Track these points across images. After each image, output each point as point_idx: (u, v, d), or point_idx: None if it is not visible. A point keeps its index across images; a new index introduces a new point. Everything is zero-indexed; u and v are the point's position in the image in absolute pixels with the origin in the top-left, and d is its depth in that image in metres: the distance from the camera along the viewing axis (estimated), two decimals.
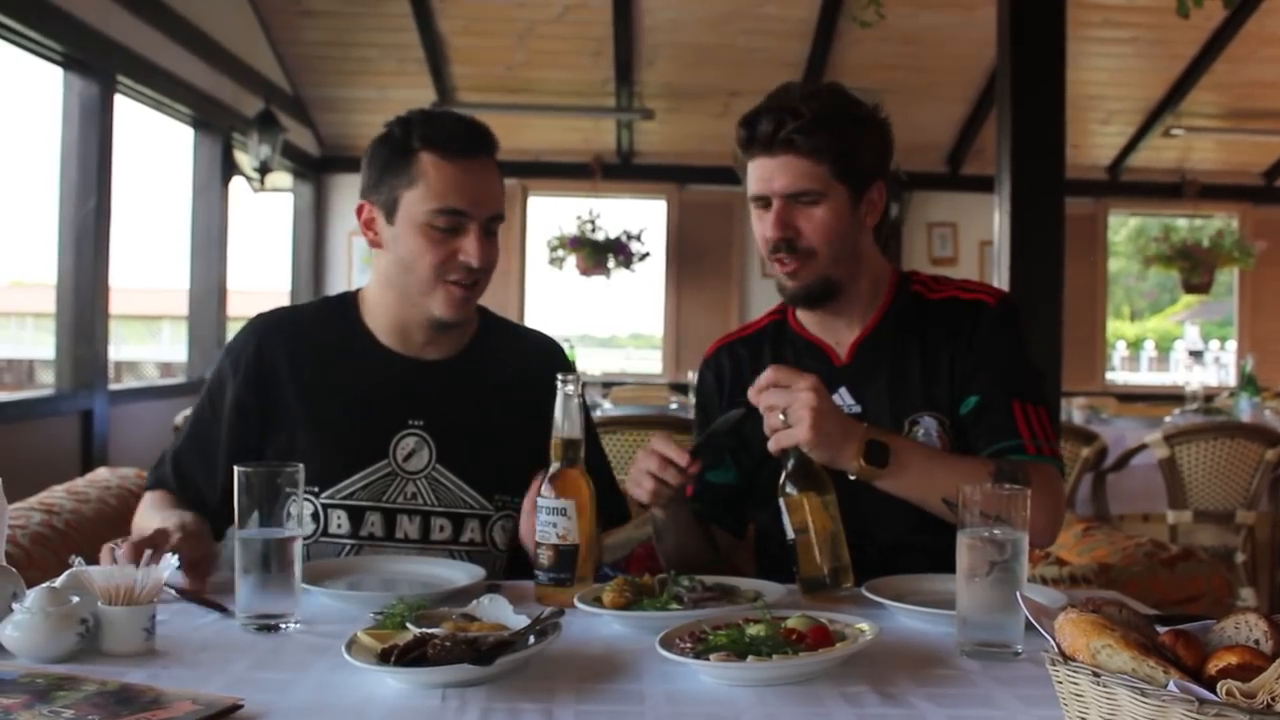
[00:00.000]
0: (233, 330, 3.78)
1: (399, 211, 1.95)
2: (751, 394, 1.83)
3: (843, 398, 2.02)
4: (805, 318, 2.14)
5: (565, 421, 1.78)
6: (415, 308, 2.01)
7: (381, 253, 2.02)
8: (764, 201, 1.99)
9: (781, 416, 1.78)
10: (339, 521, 1.98)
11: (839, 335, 2.10)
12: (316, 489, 1.97)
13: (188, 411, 5.22)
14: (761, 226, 2.01)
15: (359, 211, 2.03)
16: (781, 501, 1.81)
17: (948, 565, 1.57)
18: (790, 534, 1.80)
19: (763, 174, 1.98)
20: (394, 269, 2.00)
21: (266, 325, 2.09)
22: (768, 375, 1.81)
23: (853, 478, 1.83)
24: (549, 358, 2.18)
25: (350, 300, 2.12)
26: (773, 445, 1.80)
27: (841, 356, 2.09)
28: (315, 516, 1.98)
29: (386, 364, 2.05)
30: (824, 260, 1.99)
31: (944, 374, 2.02)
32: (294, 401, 2.01)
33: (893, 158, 2.08)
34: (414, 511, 2.00)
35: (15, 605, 1.43)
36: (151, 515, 1.97)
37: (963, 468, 1.85)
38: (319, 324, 2.11)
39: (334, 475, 1.99)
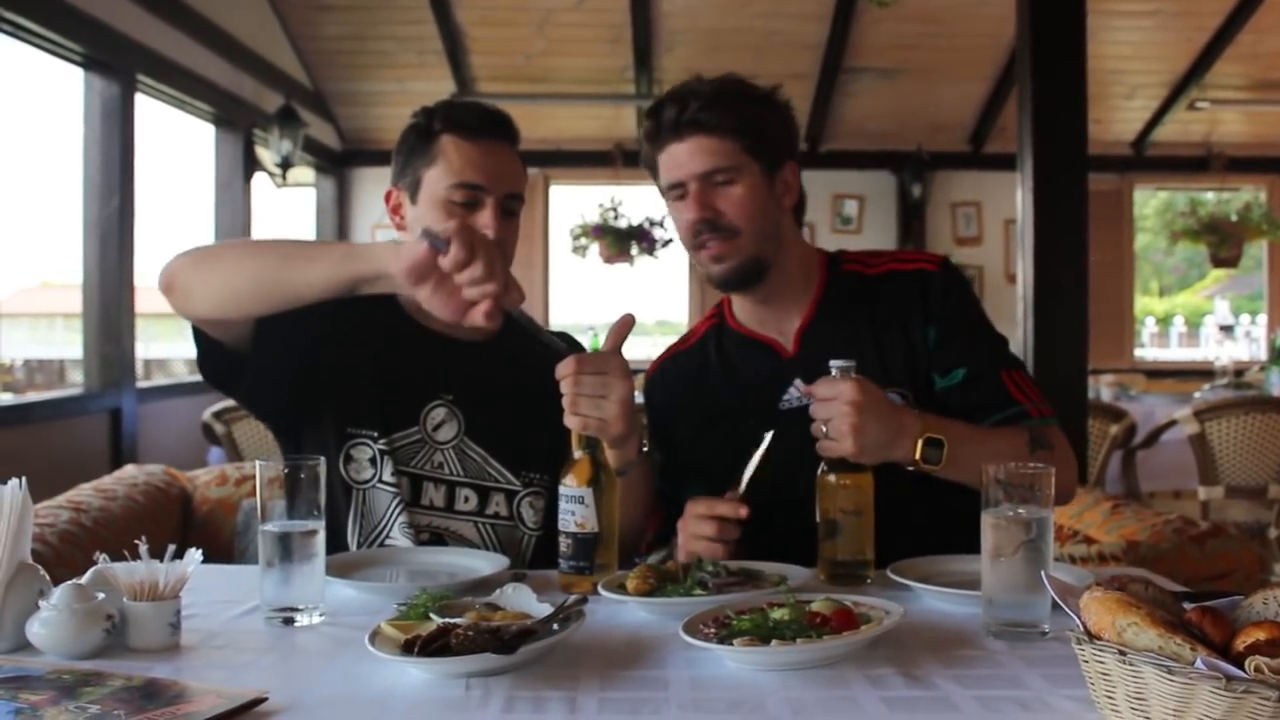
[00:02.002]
0: None
1: (421, 190, 2.02)
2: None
3: (798, 389, 1.99)
4: (744, 314, 2.12)
5: None
6: None
7: (405, 236, 2.06)
8: (679, 189, 1.98)
9: (824, 429, 1.78)
10: (392, 472, 2.01)
11: (781, 326, 2.08)
12: (375, 433, 2.01)
13: (217, 408, 5.27)
14: (680, 213, 1.99)
15: (387, 198, 2.11)
16: (817, 484, 1.82)
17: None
18: (818, 516, 1.82)
19: (675, 160, 1.97)
20: None
21: None
22: (811, 389, 1.81)
23: (910, 469, 1.82)
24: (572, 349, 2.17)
25: None
26: (820, 451, 1.81)
27: (789, 348, 2.06)
28: (373, 461, 2.02)
29: (419, 338, 2.09)
30: (748, 238, 1.97)
31: (899, 347, 2.00)
32: (350, 351, 2.05)
33: (799, 142, 2.07)
34: (439, 480, 2.04)
35: (42, 603, 1.44)
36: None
37: (1003, 443, 1.87)
38: (359, 299, 2.06)
39: (385, 426, 2.02)
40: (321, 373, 2.03)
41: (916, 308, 2.01)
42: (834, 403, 1.76)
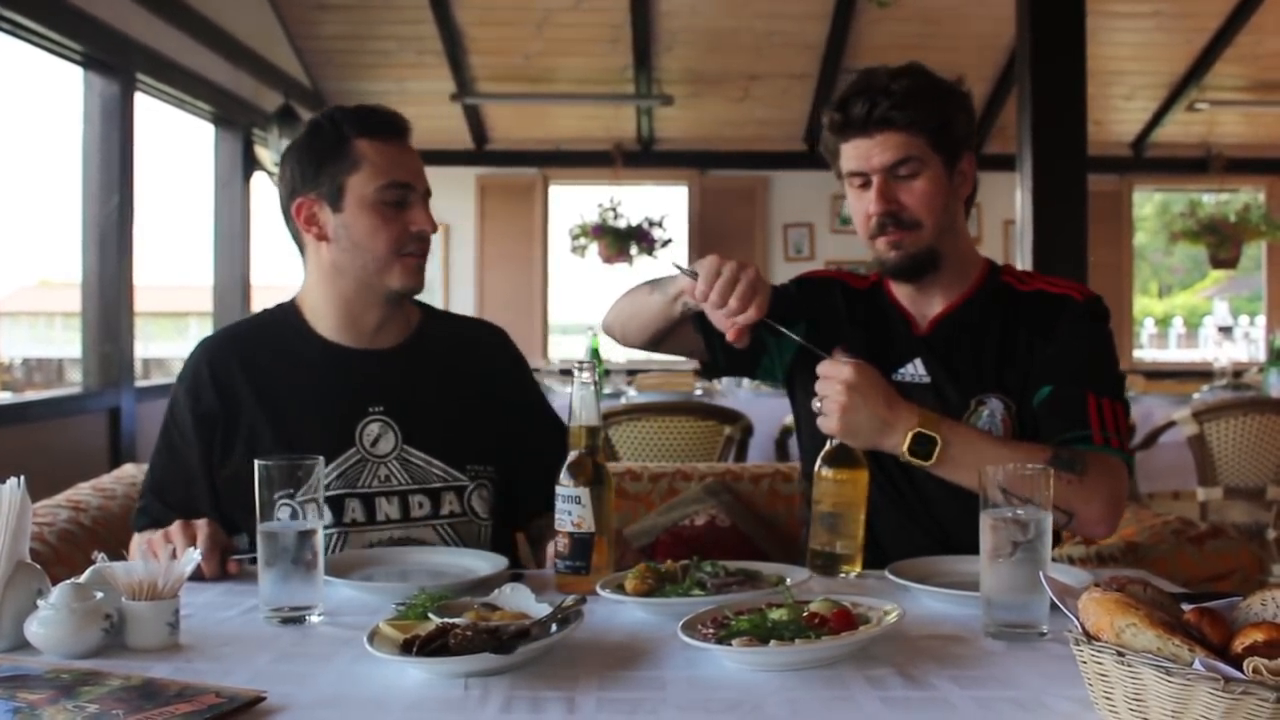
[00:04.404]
0: None
1: (346, 196, 2.02)
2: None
3: (916, 367, 2.08)
4: (897, 287, 2.17)
5: (582, 409, 1.78)
6: (369, 289, 2.05)
7: (324, 247, 2.06)
8: (863, 179, 2.03)
9: (819, 405, 1.86)
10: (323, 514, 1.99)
11: (924, 307, 2.14)
12: (292, 490, 1.92)
13: None
14: (861, 204, 2.04)
15: (297, 211, 2.06)
16: (814, 475, 1.89)
17: None
18: (810, 503, 1.90)
19: (860, 152, 2.01)
20: (345, 255, 2.04)
21: (213, 345, 2.15)
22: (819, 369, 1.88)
23: (904, 461, 1.87)
24: (495, 340, 2.28)
25: (289, 307, 2.16)
26: (819, 427, 1.88)
27: (923, 327, 2.13)
28: (294, 515, 1.97)
29: (338, 358, 2.09)
30: (929, 231, 2.03)
31: (1020, 361, 2.05)
32: (254, 408, 2.05)
33: (976, 133, 2.11)
34: (390, 493, 2.03)
35: (40, 602, 1.44)
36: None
37: (1019, 455, 1.85)
38: (265, 334, 2.15)
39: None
40: (234, 458, 2.04)
41: (1045, 328, 2.05)
42: (831, 381, 1.84)
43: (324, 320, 2.10)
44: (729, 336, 1.90)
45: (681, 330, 2.18)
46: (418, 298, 2.17)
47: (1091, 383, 1.99)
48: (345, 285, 2.07)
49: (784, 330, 1.95)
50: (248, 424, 2.04)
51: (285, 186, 2.08)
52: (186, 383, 2.10)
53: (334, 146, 2.02)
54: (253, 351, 2.11)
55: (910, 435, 1.83)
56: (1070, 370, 2.00)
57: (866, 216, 2.03)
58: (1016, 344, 2.06)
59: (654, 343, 2.23)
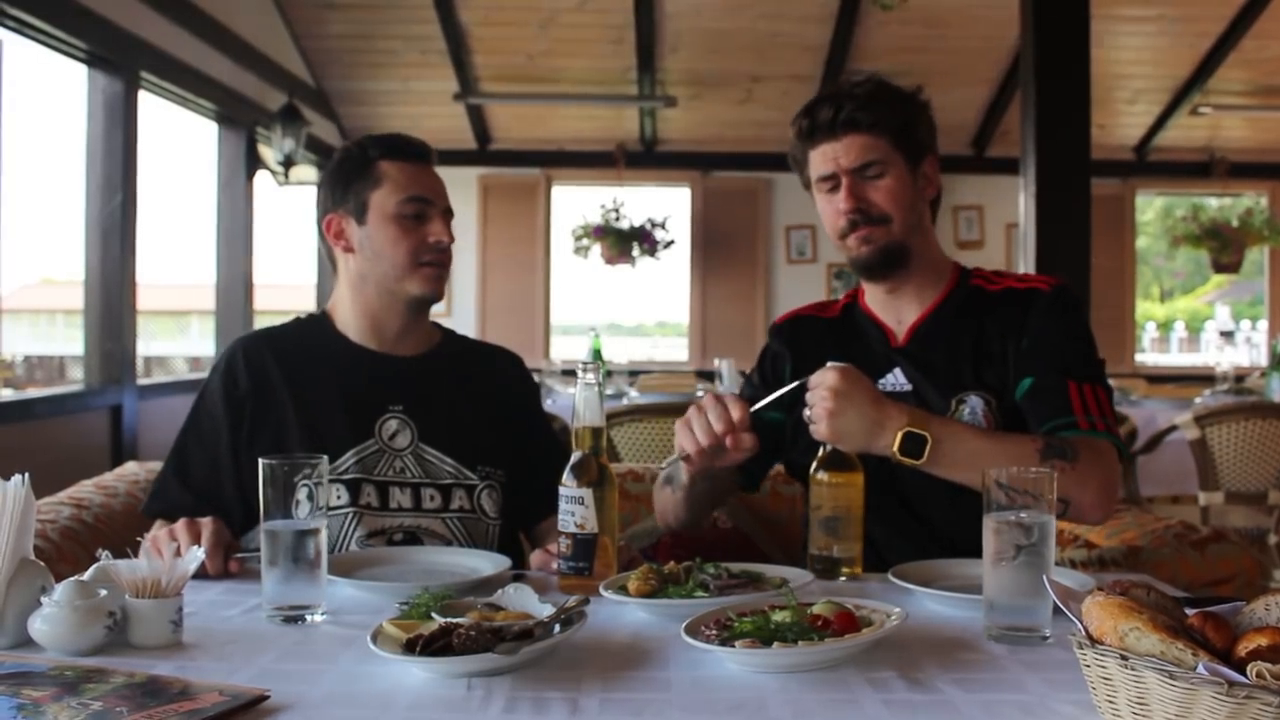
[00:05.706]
0: (259, 324, 3.81)
1: (370, 211, 2.18)
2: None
3: (896, 377, 2.12)
4: (872, 299, 2.23)
5: (586, 410, 1.79)
6: (391, 295, 2.20)
7: (350, 259, 2.22)
8: (832, 181, 2.09)
9: (808, 413, 1.87)
10: (338, 494, 2.08)
11: (900, 316, 2.19)
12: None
13: None
14: (831, 205, 2.11)
15: (327, 226, 2.24)
16: (809, 479, 1.90)
17: None
18: (808, 509, 1.92)
19: (828, 155, 2.09)
20: (369, 264, 2.20)
21: (248, 339, 2.29)
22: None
23: (896, 461, 1.87)
24: (511, 363, 2.42)
25: (320, 316, 2.31)
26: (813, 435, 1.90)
27: (899, 338, 2.17)
28: (309, 496, 2.01)
29: (362, 359, 2.23)
30: (897, 225, 2.08)
31: (997, 358, 2.09)
32: (284, 394, 2.17)
33: (937, 140, 2.18)
34: (404, 484, 2.14)
35: (44, 599, 1.44)
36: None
37: (1010, 448, 1.87)
38: (297, 335, 2.30)
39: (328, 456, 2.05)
40: (260, 440, 2.13)
41: (1018, 322, 2.09)
42: (818, 389, 1.86)
43: (351, 327, 2.24)
44: (738, 454, 1.90)
45: (717, 489, 2.21)
46: (441, 323, 2.37)
47: (1069, 369, 2.02)
48: (370, 293, 2.21)
49: (766, 403, 1.97)
50: (277, 407, 2.16)
51: (319, 208, 2.26)
52: (221, 369, 2.21)
53: (360, 167, 2.20)
54: (285, 347, 2.24)
55: (900, 435, 1.84)
56: (1047, 360, 2.04)
57: (837, 215, 2.10)
58: (991, 343, 2.10)
59: (707, 513, 2.35)
